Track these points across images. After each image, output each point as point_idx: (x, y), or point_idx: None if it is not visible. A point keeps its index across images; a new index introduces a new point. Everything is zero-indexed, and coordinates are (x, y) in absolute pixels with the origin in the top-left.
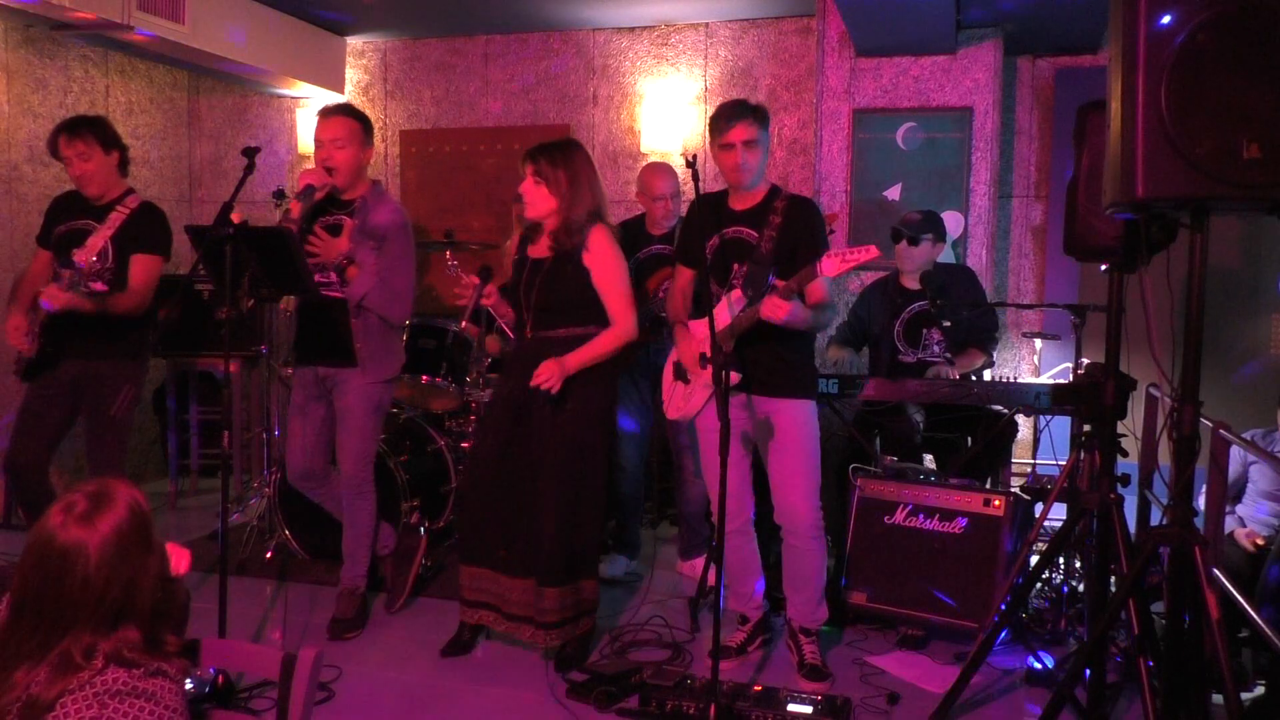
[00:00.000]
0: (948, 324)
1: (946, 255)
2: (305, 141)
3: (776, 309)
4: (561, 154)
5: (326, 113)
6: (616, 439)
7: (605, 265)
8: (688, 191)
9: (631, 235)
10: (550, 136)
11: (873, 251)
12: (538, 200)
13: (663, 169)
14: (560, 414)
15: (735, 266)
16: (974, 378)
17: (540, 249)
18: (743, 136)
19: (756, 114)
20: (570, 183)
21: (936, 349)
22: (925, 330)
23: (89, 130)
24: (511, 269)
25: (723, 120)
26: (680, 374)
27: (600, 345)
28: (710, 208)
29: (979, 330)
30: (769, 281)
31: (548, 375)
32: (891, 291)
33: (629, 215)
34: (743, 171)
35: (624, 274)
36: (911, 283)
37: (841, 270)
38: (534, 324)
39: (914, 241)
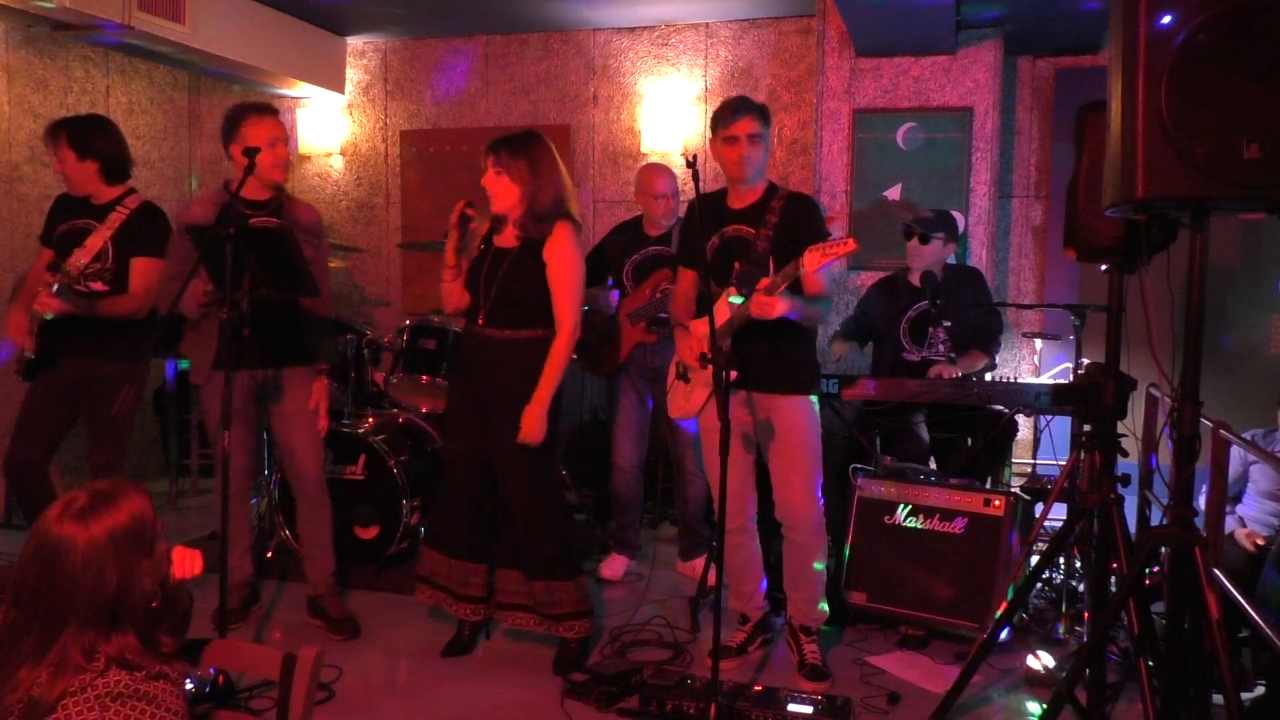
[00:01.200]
0: (948, 324)
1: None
2: (306, 141)
3: (765, 306)
4: (521, 143)
5: (271, 111)
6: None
7: (563, 262)
8: (687, 191)
9: (629, 237)
10: (550, 136)
11: (850, 245)
12: (501, 191)
13: (661, 168)
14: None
15: (736, 265)
16: (974, 378)
17: (506, 238)
18: (747, 130)
19: (761, 111)
20: (531, 170)
21: (942, 348)
22: (931, 329)
23: (63, 135)
24: (476, 253)
25: (728, 113)
26: (682, 374)
27: (556, 364)
28: (709, 207)
29: (983, 331)
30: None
31: (534, 432)
32: (898, 289)
33: (629, 215)
34: (746, 165)
35: (579, 276)
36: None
37: (822, 264)
38: (488, 318)
39: (925, 240)
